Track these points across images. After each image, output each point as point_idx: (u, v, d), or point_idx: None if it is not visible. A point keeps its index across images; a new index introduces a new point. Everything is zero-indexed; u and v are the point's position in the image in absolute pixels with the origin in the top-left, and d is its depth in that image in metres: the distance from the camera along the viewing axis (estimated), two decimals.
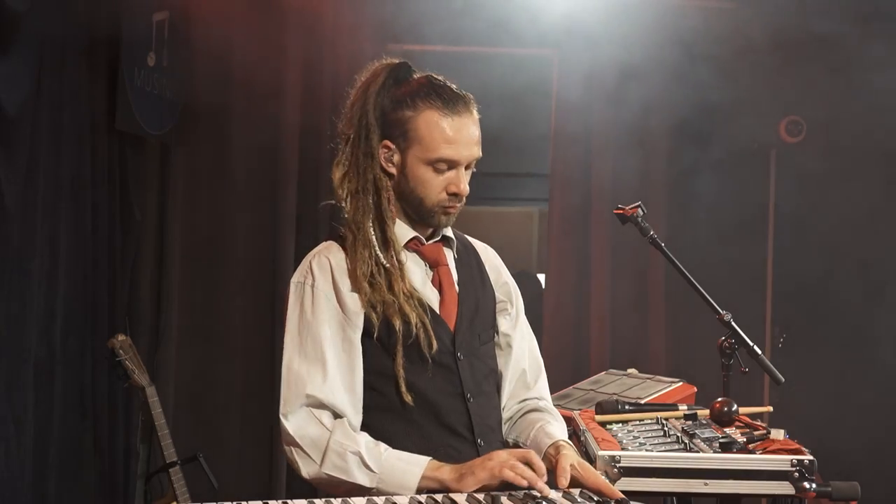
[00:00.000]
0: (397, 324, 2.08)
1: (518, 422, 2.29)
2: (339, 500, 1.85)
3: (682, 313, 5.03)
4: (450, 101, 2.12)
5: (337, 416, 2.09)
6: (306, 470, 2.07)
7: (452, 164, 2.12)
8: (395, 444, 2.06)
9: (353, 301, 2.11)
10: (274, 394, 4.71)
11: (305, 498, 1.86)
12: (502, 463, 1.94)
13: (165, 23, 4.36)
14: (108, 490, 4.19)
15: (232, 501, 1.81)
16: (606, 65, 5.00)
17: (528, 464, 1.95)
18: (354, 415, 2.11)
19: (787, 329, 5.10)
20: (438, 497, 1.90)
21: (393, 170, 2.16)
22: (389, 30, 4.90)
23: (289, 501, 1.81)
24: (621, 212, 3.14)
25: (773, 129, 5.07)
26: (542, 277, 5.17)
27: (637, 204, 3.12)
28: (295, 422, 2.09)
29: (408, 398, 2.10)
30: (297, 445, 2.08)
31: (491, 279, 2.32)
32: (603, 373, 3.63)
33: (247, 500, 1.81)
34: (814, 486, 2.21)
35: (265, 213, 4.81)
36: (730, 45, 4.90)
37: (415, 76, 2.20)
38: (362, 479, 2.01)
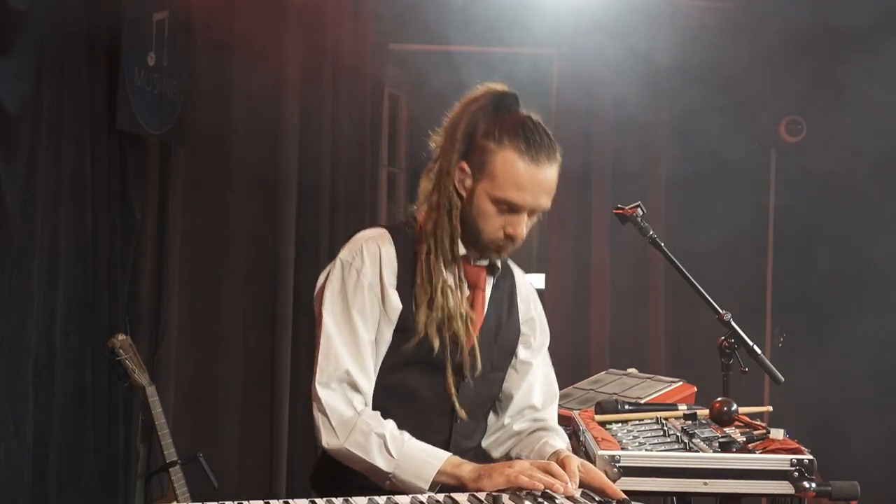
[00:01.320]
0: (442, 339, 2.12)
1: (525, 438, 2.32)
2: (340, 499, 1.85)
3: (682, 313, 5.03)
4: (534, 146, 2.13)
5: (365, 402, 2.13)
6: (328, 441, 2.10)
7: (515, 209, 2.13)
8: None
9: (396, 299, 2.14)
10: (274, 393, 4.75)
11: (306, 498, 1.86)
12: (520, 471, 1.95)
13: (165, 23, 4.35)
14: (108, 490, 4.19)
15: (232, 501, 1.81)
16: (606, 64, 5.00)
17: (549, 474, 1.95)
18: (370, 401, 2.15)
19: (786, 329, 5.10)
20: (440, 497, 1.90)
21: (463, 192, 2.17)
22: (390, 30, 4.90)
23: (289, 501, 1.81)
24: (621, 212, 3.14)
25: (773, 129, 5.07)
26: (542, 277, 5.17)
27: (637, 204, 3.13)
28: (329, 395, 2.11)
29: (400, 400, 2.15)
30: (325, 416, 2.10)
31: (520, 310, 2.35)
32: (603, 373, 3.63)
33: (247, 500, 1.81)
34: (813, 485, 2.21)
35: (265, 213, 4.81)
36: (730, 45, 4.90)
37: (516, 110, 2.21)
38: (381, 461, 2.04)
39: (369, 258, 2.16)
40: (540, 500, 1.86)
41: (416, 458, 2.03)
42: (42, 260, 3.65)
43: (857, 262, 4.99)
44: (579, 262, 5.11)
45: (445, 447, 2.16)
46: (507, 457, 2.33)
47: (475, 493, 1.91)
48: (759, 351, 2.98)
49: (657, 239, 3.11)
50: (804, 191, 5.04)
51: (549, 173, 2.14)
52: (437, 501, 1.87)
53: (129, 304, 4.38)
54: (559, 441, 2.25)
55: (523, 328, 2.35)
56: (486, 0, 4.81)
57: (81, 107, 3.92)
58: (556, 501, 1.87)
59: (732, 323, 2.99)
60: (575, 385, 3.47)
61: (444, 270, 2.15)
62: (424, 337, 2.12)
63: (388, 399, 2.16)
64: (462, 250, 2.20)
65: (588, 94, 5.04)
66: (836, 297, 5.03)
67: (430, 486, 2.02)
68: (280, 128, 4.79)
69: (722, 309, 3.01)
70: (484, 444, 2.36)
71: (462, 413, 2.17)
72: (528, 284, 2.42)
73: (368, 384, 2.13)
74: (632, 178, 5.04)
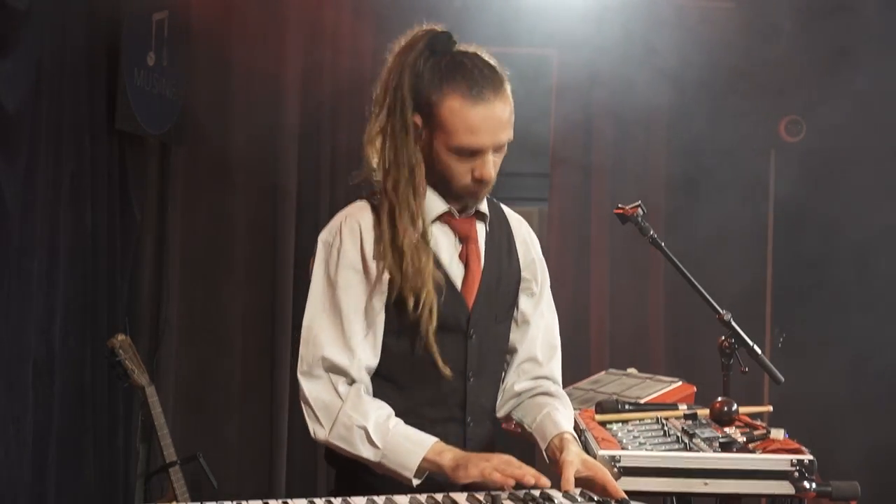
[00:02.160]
0: (422, 297, 2.07)
1: (526, 402, 2.29)
2: (340, 499, 1.85)
3: (682, 313, 5.03)
4: (475, 85, 2.07)
5: (352, 381, 2.10)
6: (314, 431, 2.09)
7: (476, 152, 2.08)
8: None
9: (380, 268, 2.10)
10: (274, 394, 4.75)
11: (305, 498, 1.86)
12: (495, 466, 1.94)
13: (165, 23, 4.35)
14: (108, 490, 4.19)
15: (232, 501, 1.81)
16: (606, 64, 5.00)
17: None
18: (368, 377, 2.13)
19: (786, 329, 5.10)
20: (439, 497, 1.90)
21: (421, 147, 2.13)
22: (390, 30, 4.88)
23: (289, 501, 1.81)
24: (621, 212, 3.14)
25: (773, 129, 5.07)
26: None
27: (637, 204, 3.12)
28: (311, 383, 2.09)
29: (409, 369, 2.12)
30: (310, 406, 2.09)
31: (519, 255, 2.30)
32: (603, 372, 3.63)
33: (247, 500, 1.81)
34: (814, 485, 2.21)
35: (265, 213, 4.81)
36: (729, 45, 4.89)
37: (451, 51, 2.15)
38: (366, 452, 2.04)
39: (349, 235, 2.13)
40: (538, 499, 1.87)
41: (400, 446, 2.02)
42: (42, 260, 3.65)
43: (857, 262, 4.99)
44: (579, 263, 5.11)
45: (462, 408, 2.17)
46: (509, 418, 2.31)
47: (474, 494, 1.91)
48: (759, 351, 2.98)
49: (657, 239, 3.11)
50: (804, 191, 5.04)
51: (499, 108, 2.08)
52: (437, 501, 1.87)
53: (129, 304, 4.38)
54: (563, 415, 2.20)
55: (524, 273, 2.30)
56: (486, 0, 4.81)
57: (81, 107, 3.92)
58: (556, 501, 1.87)
59: (732, 323, 2.99)
60: (575, 385, 3.47)
61: (410, 228, 2.09)
62: (400, 298, 2.08)
63: (398, 369, 2.14)
64: (443, 206, 2.16)
65: (588, 94, 5.04)
66: (837, 297, 5.02)
67: (416, 472, 2.01)
68: (280, 128, 4.79)
69: (722, 309, 3.01)
70: None
71: (447, 371, 2.11)
72: (526, 227, 2.36)
73: (356, 362, 2.09)
74: (632, 178, 5.03)
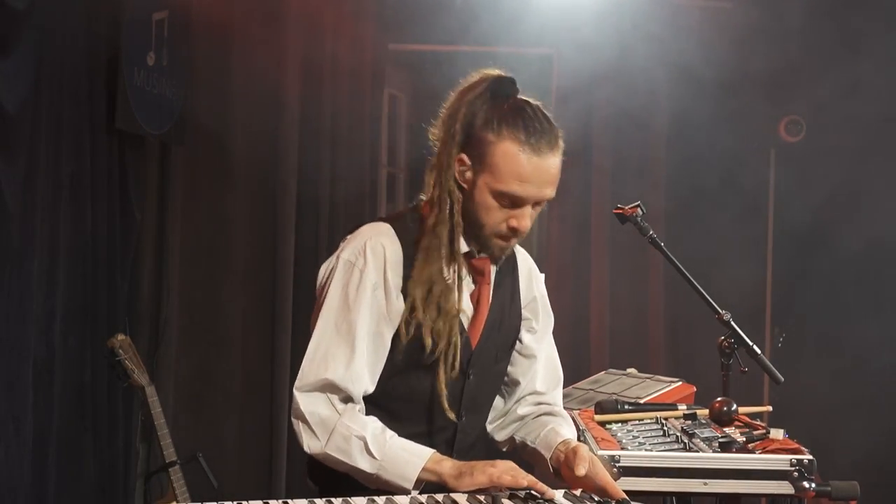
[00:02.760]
0: (441, 339, 2.06)
1: (529, 423, 2.30)
2: (340, 500, 1.85)
3: (681, 313, 5.03)
4: (534, 136, 2.04)
5: (349, 399, 2.08)
6: (310, 445, 2.06)
7: (518, 202, 2.06)
8: None
9: (399, 300, 2.08)
10: (274, 394, 4.75)
11: (305, 498, 1.86)
12: (504, 470, 1.94)
13: (165, 23, 4.35)
14: (108, 490, 4.19)
15: (232, 501, 1.81)
16: (606, 64, 5.00)
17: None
18: (362, 402, 2.12)
19: (786, 329, 5.10)
20: (439, 497, 1.90)
21: (464, 185, 2.09)
22: (390, 29, 4.90)
23: (289, 501, 1.81)
24: (621, 211, 3.14)
25: (773, 129, 5.07)
26: (542, 277, 5.17)
27: (636, 204, 3.12)
28: (308, 398, 2.07)
29: (402, 400, 2.12)
30: (305, 421, 2.06)
31: (521, 293, 2.29)
32: (602, 372, 3.63)
33: (247, 500, 1.81)
34: (813, 485, 2.21)
35: (265, 213, 4.81)
36: (729, 45, 4.89)
37: (514, 96, 2.13)
38: (363, 463, 2.02)
39: (373, 258, 2.09)
40: (539, 500, 1.86)
41: (398, 457, 2.00)
42: (42, 260, 3.65)
43: (857, 262, 4.99)
44: (579, 262, 5.11)
45: (450, 444, 2.16)
46: (511, 440, 2.32)
47: (475, 494, 1.91)
48: (758, 351, 2.98)
49: (657, 239, 3.11)
50: (804, 191, 5.04)
51: (552, 162, 2.07)
52: (437, 501, 1.87)
53: (129, 304, 4.38)
54: (567, 429, 2.22)
55: (525, 312, 2.30)
56: (485, 0, 4.81)
57: (81, 107, 3.92)
58: (557, 502, 1.87)
59: (732, 323, 2.99)
60: (575, 385, 3.47)
61: (443, 268, 2.08)
62: (417, 335, 2.07)
63: (393, 400, 2.14)
64: (465, 247, 2.13)
65: (588, 94, 5.04)
66: (836, 296, 5.03)
67: (415, 484, 2.00)
68: (280, 128, 4.79)
69: (722, 309, 3.01)
70: (488, 427, 2.33)
71: (451, 415, 2.11)
72: (530, 263, 2.35)
73: (358, 385, 2.08)
74: (632, 178, 5.03)
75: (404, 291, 2.08)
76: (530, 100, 2.14)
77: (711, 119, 4.97)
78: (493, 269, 2.21)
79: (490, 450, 2.33)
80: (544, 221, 5.37)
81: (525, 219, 2.07)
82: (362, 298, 2.07)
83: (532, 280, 2.33)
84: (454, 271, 2.09)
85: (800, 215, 5.06)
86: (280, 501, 1.80)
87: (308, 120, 4.83)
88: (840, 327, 4.97)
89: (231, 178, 4.78)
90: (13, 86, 3.40)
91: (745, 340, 2.97)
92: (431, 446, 2.10)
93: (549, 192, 2.09)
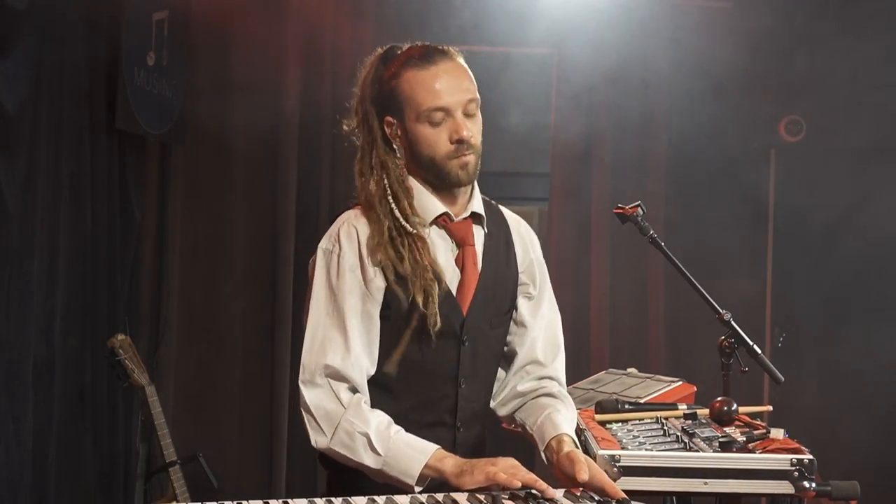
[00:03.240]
0: (415, 296, 2.08)
1: (529, 403, 2.29)
2: (340, 500, 1.85)
3: (681, 313, 5.03)
4: (425, 55, 2.15)
5: (354, 389, 2.10)
6: (316, 440, 2.09)
7: (446, 112, 2.12)
8: None
9: (377, 275, 2.12)
10: (274, 393, 4.75)
11: (305, 498, 1.86)
12: (503, 469, 1.94)
13: (165, 22, 4.35)
14: (108, 490, 4.19)
15: (232, 501, 1.81)
16: (606, 64, 5.00)
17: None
18: (366, 385, 2.14)
19: (786, 329, 5.10)
20: (439, 496, 1.90)
21: (400, 142, 2.17)
22: (390, 29, 4.89)
23: (289, 501, 1.81)
24: (621, 211, 3.13)
25: (773, 129, 5.07)
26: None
27: (637, 203, 3.12)
28: (313, 392, 2.10)
29: (400, 374, 2.13)
30: (310, 414, 2.09)
31: (518, 257, 2.31)
32: (603, 372, 3.62)
33: (247, 500, 1.81)
34: (813, 485, 2.21)
35: (265, 213, 4.81)
36: (730, 45, 4.89)
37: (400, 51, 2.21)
38: (368, 459, 2.03)
39: (347, 241, 2.14)
40: (540, 500, 1.87)
41: (402, 453, 2.02)
42: (42, 260, 3.65)
43: (857, 262, 4.99)
44: (579, 263, 5.11)
45: (452, 413, 2.18)
46: (512, 419, 2.32)
47: (475, 494, 1.91)
48: (759, 351, 2.98)
49: (657, 238, 3.11)
50: (804, 191, 5.04)
51: (451, 65, 2.14)
52: (437, 501, 1.87)
53: (129, 304, 4.38)
54: (564, 417, 2.20)
55: (522, 276, 2.31)
56: (487, 0, 4.81)
57: (81, 107, 3.92)
58: (557, 501, 1.87)
59: (732, 323, 2.99)
60: (575, 385, 3.47)
61: (401, 223, 2.12)
62: (392, 301, 2.10)
63: (390, 374, 2.15)
64: (441, 207, 2.17)
65: (588, 94, 5.04)
66: (837, 296, 5.02)
67: (418, 480, 2.01)
68: (280, 128, 4.79)
69: (722, 309, 3.01)
70: (491, 403, 2.34)
71: (463, 383, 2.14)
72: (525, 227, 2.37)
73: (358, 369, 2.10)
74: (632, 177, 5.03)
75: (381, 264, 2.12)
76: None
77: (712, 119, 4.96)
78: (478, 233, 2.23)
79: (495, 424, 2.33)
80: (544, 221, 5.36)
81: (462, 127, 2.12)
82: (344, 282, 2.12)
83: (528, 244, 2.34)
84: (416, 225, 2.13)
85: (800, 215, 5.06)
86: (280, 501, 1.81)
87: (308, 120, 4.83)
88: (841, 327, 4.97)
89: (231, 178, 4.78)
90: (13, 86, 3.40)
91: (745, 340, 2.97)
92: (435, 417, 2.14)
93: (469, 93, 2.14)
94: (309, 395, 2.09)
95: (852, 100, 4.85)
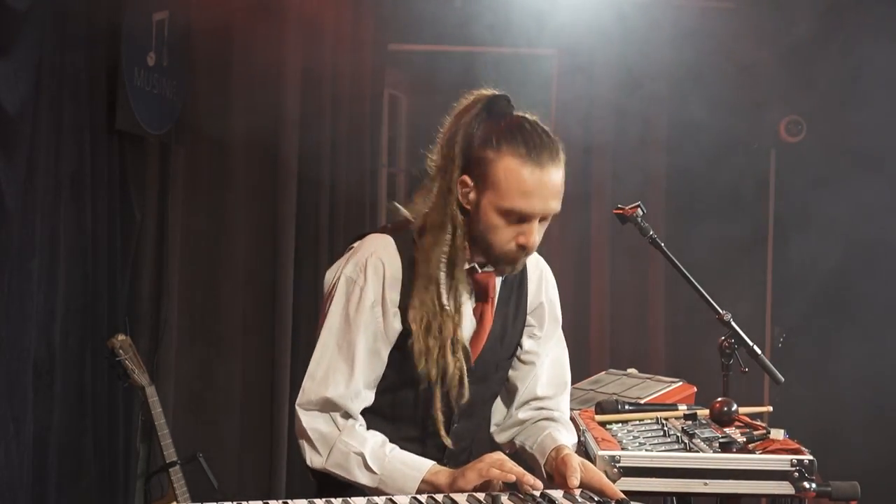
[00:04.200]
0: (438, 368, 2.07)
1: (529, 427, 2.30)
2: (340, 500, 1.85)
3: (682, 313, 5.03)
4: (534, 149, 2.03)
5: (348, 416, 2.11)
6: (312, 460, 2.09)
7: (525, 218, 2.04)
8: None
9: (396, 320, 2.10)
10: (274, 393, 4.74)
11: (305, 498, 1.86)
12: (491, 463, 1.95)
13: (165, 23, 4.35)
14: (108, 490, 4.19)
15: (232, 501, 1.81)
16: (606, 64, 5.00)
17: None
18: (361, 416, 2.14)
19: (786, 329, 5.10)
20: (439, 497, 1.90)
21: (468, 206, 2.08)
22: (390, 30, 4.90)
23: (289, 501, 1.81)
24: (621, 212, 3.14)
25: (773, 129, 5.07)
26: (553, 282, 5.17)
27: (637, 204, 3.12)
28: (309, 416, 2.10)
29: (396, 407, 2.15)
30: (307, 438, 2.09)
31: (528, 299, 2.28)
32: (603, 373, 3.63)
33: (247, 500, 1.81)
34: (814, 485, 2.21)
35: (265, 213, 4.81)
36: (729, 45, 4.89)
37: (510, 113, 2.12)
38: (363, 478, 2.04)
39: (373, 275, 2.09)
40: (540, 500, 1.87)
41: (398, 471, 2.02)
42: (42, 260, 3.65)
43: (857, 262, 4.99)
44: (579, 262, 5.11)
45: (441, 450, 2.16)
46: (512, 444, 2.32)
47: (474, 494, 1.91)
48: (759, 351, 2.98)
49: (657, 239, 3.11)
50: (804, 191, 5.04)
51: (555, 175, 2.04)
52: (437, 502, 1.87)
53: (129, 304, 4.38)
54: (565, 435, 2.21)
55: (529, 318, 2.29)
56: (485, 0, 4.81)
57: (81, 107, 3.92)
58: (557, 502, 1.87)
59: (732, 323, 2.99)
60: (575, 385, 3.47)
61: (442, 294, 2.08)
62: (420, 362, 2.08)
63: (387, 406, 2.15)
64: (468, 263, 2.13)
65: (588, 94, 5.04)
66: (837, 297, 5.02)
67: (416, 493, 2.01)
68: (280, 128, 4.79)
69: (722, 309, 3.01)
70: (491, 429, 2.34)
71: (448, 442, 2.13)
72: (543, 268, 2.33)
73: (357, 402, 2.10)
74: (632, 178, 5.03)
75: (402, 309, 2.09)
76: (527, 115, 2.13)
77: (712, 119, 4.97)
78: (497, 282, 2.20)
79: (482, 452, 2.33)
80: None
81: (533, 234, 2.05)
82: (361, 317, 2.09)
83: (542, 285, 2.31)
84: (453, 298, 2.09)
85: (800, 215, 5.06)
86: (280, 502, 1.81)
87: (308, 120, 4.83)
88: (841, 327, 4.97)
89: (231, 178, 4.78)
90: (13, 86, 3.40)
91: (745, 340, 2.97)
92: (423, 451, 2.12)
93: (555, 206, 2.07)
94: (305, 418, 2.10)
95: (852, 100, 4.85)
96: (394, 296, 2.09)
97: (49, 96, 3.66)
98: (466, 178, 2.07)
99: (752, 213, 5.18)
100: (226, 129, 4.72)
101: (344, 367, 2.09)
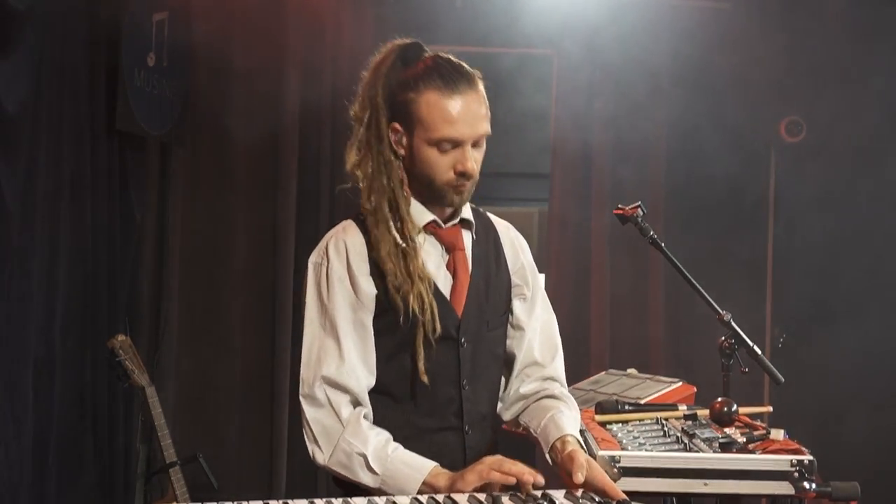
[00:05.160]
0: (412, 305, 2.10)
1: (532, 406, 2.30)
2: (340, 500, 1.85)
3: (682, 314, 5.03)
4: (450, 79, 2.11)
5: (355, 401, 2.12)
6: (314, 454, 2.11)
7: (456, 143, 2.12)
8: (383, 427, 2.11)
9: (368, 284, 2.14)
10: (274, 394, 4.75)
11: (305, 498, 1.86)
12: (490, 465, 1.96)
13: (165, 23, 4.35)
14: (108, 490, 4.19)
15: (232, 501, 1.81)
16: (606, 65, 5.00)
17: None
18: (367, 398, 2.15)
19: (787, 329, 5.10)
20: (439, 497, 1.90)
21: (402, 151, 2.17)
22: (390, 30, 4.88)
23: (289, 501, 1.81)
24: (621, 212, 3.14)
25: (773, 129, 5.07)
26: (542, 277, 5.17)
27: (637, 204, 3.12)
28: (313, 407, 2.12)
29: (404, 381, 2.14)
30: (310, 430, 2.11)
31: (508, 261, 2.32)
32: (603, 373, 3.63)
33: (247, 500, 1.81)
34: (814, 486, 2.21)
35: (265, 213, 4.81)
36: (729, 45, 4.90)
37: (423, 56, 2.19)
38: (365, 478, 2.05)
39: (335, 254, 2.16)
40: (540, 500, 1.87)
41: (399, 472, 2.03)
42: (42, 260, 3.65)
43: (857, 262, 4.99)
44: (579, 263, 5.11)
45: (459, 416, 2.19)
46: (516, 423, 2.32)
47: (474, 494, 1.91)
48: (759, 351, 2.98)
49: (657, 239, 3.11)
50: (804, 191, 5.04)
51: (475, 99, 2.12)
52: (437, 502, 1.88)
53: (129, 304, 4.38)
54: (567, 418, 2.21)
55: (514, 278, 2.32)
56: (485, 0, 4.81)
57: (81, 107, 3.92)
58: (557, 502, 1.87)
59: (732, 323, 2.99)
60: (575, 385, 3.47)
61: (394, 235, 2.13)
62: (389, 309, 2.11)
63: (393, 382, 2.16)
64: (428, 216, 2.19)
65: (588, 94, 5.04)
66: (837, 297, 5.02)
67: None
68: (280, 128, 4.79)
69: (722, 309, 3.01)
70: (497, 408, 2.34)
71: (424, 378, 2.13)
72: (514, 232, 2.39)
73: (354, 378, 2.12)
74: (632, 178, 5.03)
75: (374, 275, 2.13)
76: (440, 54, 2.20)
77: (711, 119, 4.97)
78: (467, 237, 2.25)
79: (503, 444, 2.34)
80: (544, 221, 5.36)
81: (468, 160, 2.12)
82: (334, 293, 2.14)
83: (517, 248, 2.36)
84: (408, 236, 2.14)
85: (800, 215, 5.06)
86: (280, 502, 1.81)
87: (308, 120, 4.83)
88: (841, 327, 4.97)
89: (231, 178, 4.78)
90: (13, 86, 3.40)
91: (745, 341, 2.97)
92: (442, 422, 2.16)
93: (484, 127, 2.14)
94: (309, 410, 2.11)
95: (852, 99, 4.85)
96: (362, 265, 2.14)
97: (49, 96, 3.66)
98: (396, 125, 2.16)
99: (752, 212, 5.18)
100: (226, 129, 4.72)
101: (332, 344, 2.12)
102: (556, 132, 5.11)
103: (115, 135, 4.15)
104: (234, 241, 4.78)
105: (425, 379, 2.13)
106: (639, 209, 3.11)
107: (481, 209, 2.36)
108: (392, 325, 2.13)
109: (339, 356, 2.11)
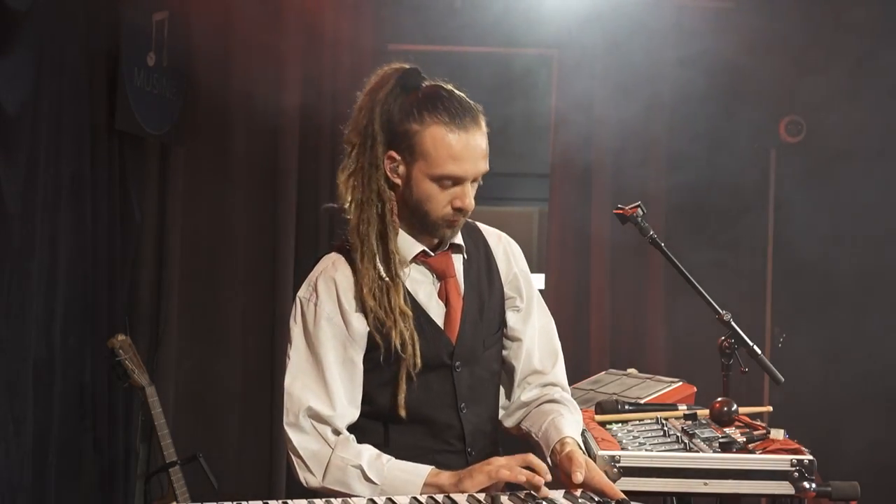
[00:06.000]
0: (394, 342, 2.08)
1: (533, 412, 2.29)
2: (340, 500, 1.85)
3: (682, 314, 5.03)
4: (457, 115, 2.08)
5: (337, 432, 2.11)
6: (305, 479, 2.10)
7: (458, 181, 2.09)
8: (383, 450, 2.09)
9: (359, 321, 2.11)
10: (274, 393, 4.74)
11: (305, 498, 1.86)
12: (500, 466, 1.95)
13: (165, 23, 4.35)
14: (108, 490, 4.19)
15: (232, 501, 1.81)
16: (606, 65, 5.00)
17: (528, 466, 1.95)
18: (348, 432, 2.14)
19: (786, 329, 5.10)
20: (439, 497, 1.90)
21: (398, 180, 2.13)
22: (389, 30, 4.89)
23: (289, 501, 1.82)
24: (621, 212, 3.13)
25: (773, 129, 5.07)
26: (542, 277, 5.17)
27: (637, 204, 3.12)
28: (298, 434, 2.10)
29: (402, 412, 2.12)
30: (298, 456, 2.10)
31: (501, 273, 2.29)
32: (603, 373, 3.63)
33: (247, 501, 1.81)
34: (813, 485, 2.21)
35: (265, 213, 4.81)
36: (729, 45, 4.89)
37: (424, 84, 2.15)
38: (364, 490, 2.03)
39: (325, 290, 2.12)
40: (539, 500, 1.87)
41: (398, 479, 2.02)
42: (42, 260, 3.65)
43: (857, 263, 4.99)
44: (579, 263, 5.11)
45: (461, 438, 2.18)
46: (518, 429, 2.31)
47: (474, 494, 1.91)
48: (759, 351, 2.98)
49: (657, 239, 3.11)
50: (804, 191, 5.04)
51: (480, 136, 2.10)
52: (437, 502, 1.87)
53: (129, 304, 4.38)
54: (568, 421, 2.20)
55: (507, 291, 2.30)
56: (485, 0, 4.81)
57: (81, 107, 3.92)
58: (557, 502, 1.87)
59: (732, 323, 2.99)
60: (575, 385, 3.47)
61: (378, 270, 2.10)
62: (386, 345, 2.09)
63: (388, 412, 2.14)
64: (418, 246, 2.16)
65: (588, 94, 5.04)
66: (837, 297, 5.02)
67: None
68: (280, 127, 4.79)
69: (722, 309, 3.01)
70: (499, 415, 2.33)
71: (403, 412, 2.12)
72: (506, 241, 2.35)
73: (337, 411, 2.10)
74: (632, 178, 5.03)
75: (363, 311, 2.11)
76: (441, 83, 2.16)
77: (712, 119, 4.97)
78: (458, 260, 2.23)
79: (502, 437, 2.33)
80: (544, 221, 5.36)
81: (467, 197, 2.11)
82: (320, 330, 2.11)
83: (510, 258, 2.33)
84: (394, 271, 2.11)
85: (800, 215, 5.06)
86: (280, 502, 1.81)
87: (308, 120, 4.83)
88: (841, 328, 4.97)
89: (231, 178, 4.78)
90: (13, 86, 3.40)
91: (745, 341, 2.97)
92: (445, 445, 2.15)
93: (483, 166, 2.12)
94: (295, 437, 2.10)
95: (852, 99, 4.85)
96: (351, 301, 2.12)
97: (49, 96, 3.66)
98: (393, 154, 2.11)
99: (752, 212, 5.18)
100: (226, 129, 4.72)
101: (317, 382, 2.10)
102: (556, 132, 5.11)
103: (115, 134, 4.15)
104: (234, 241, 4.78)
105: (403, 413, 2.11)
106: (638, 209, 3.10)
107: (470, 220, 2.31)
108: (383, 359, 2.11)
109: (323, 393, 2.10)
